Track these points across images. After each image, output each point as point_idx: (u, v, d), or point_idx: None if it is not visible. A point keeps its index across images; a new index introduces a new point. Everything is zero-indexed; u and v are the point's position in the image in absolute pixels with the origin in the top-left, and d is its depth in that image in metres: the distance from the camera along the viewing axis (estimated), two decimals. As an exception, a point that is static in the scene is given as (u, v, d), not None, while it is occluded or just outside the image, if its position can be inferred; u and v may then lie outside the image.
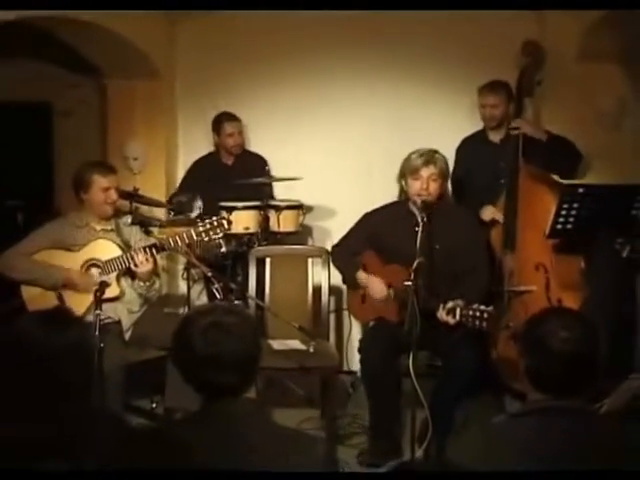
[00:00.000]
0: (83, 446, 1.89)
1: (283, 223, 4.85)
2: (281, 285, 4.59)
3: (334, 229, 5.19)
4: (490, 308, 3.50)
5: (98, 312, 3.41)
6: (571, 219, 3.85)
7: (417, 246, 3.57)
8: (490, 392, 4.42)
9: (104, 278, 3.80)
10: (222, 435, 1.95)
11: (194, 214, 4.71)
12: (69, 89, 5.96)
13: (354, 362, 5.05)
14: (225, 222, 3.96)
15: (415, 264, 3.48)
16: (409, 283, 3.50)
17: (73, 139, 5.97)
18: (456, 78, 5.03)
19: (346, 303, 4.52)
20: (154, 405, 4.49)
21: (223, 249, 4.64)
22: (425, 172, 3.95)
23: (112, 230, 4.16)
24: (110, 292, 3.84)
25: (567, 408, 2.03)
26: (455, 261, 3.97)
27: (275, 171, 5.07)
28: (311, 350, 4.03)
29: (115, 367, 3.72)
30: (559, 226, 3.87)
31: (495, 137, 4.78)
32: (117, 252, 4.00)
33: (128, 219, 4.26)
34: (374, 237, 4.16)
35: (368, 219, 4.23)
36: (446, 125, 5.08)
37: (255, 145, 5.44)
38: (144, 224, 4.36)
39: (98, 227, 4.15)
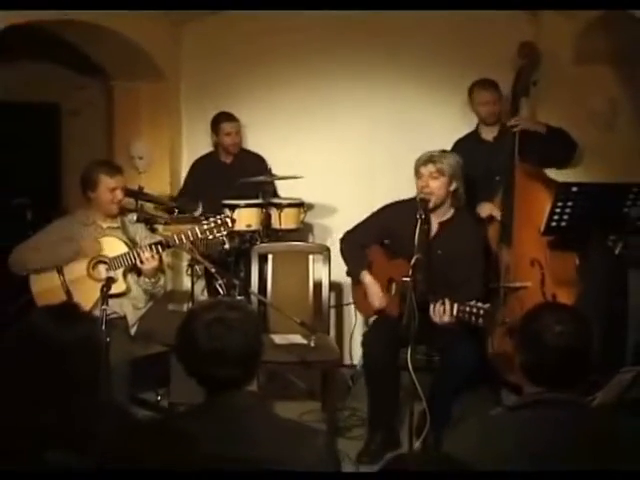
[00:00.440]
0: (90, 437, 1.92)
1: (285, 221, 4.86)
2: (283, 281, 4.61)
3: (335, 227, 5.23)
4: (487, 305, 3.50)
5: (104, 307, 3.43)
6: (565, 217, 3.88)
7: (415, 242, 3.61)
8: (487, 386, 4.43)
9: (111, 274, 3.83)
10: (225, 427, 1.96)
11: (197, 212, 4.74)
12: (77, 90, 6.01)
13: (354, 356, 5.13)
14: (229, 221, 3.98)
15: (413, 260, 3.52)
16: (407, 279, 3.53)
17: (80, 139, 6.01)
18: (455, 79, 5.04)
19: (349, 296, 4.51)
20: (159, 398, 4.53)
21: (226, 246, 4.66)
22: (425, 170, 4.01)
23: (118, 228, 4.18)
24: (116, 288, 3.87)
25: (561, 400, 2.05)
26: (453, 270, 3.99)
27: (277, 171, 5.07)
28: (312, 344, 4.05)
29: (121, 361, 3.73)
30: (554, 223, 3.91)
31: (488, 136, 4.82)
32: (124, 249, 4.02)
33: (134, 217, 4.29)
34: (385, 230, 4.20)
35: (383, 212, 4.26)
36: (445, 125, 5.09)
37: (257, 145, 5.45)
38: (149, 221, 4.40)
39: (104, 225, 4.17)
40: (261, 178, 4.92)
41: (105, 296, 3.52)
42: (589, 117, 4.93)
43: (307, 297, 4.59)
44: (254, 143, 5.50)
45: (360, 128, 5.43)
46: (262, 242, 4.84)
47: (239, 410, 2.01)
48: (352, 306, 4.60)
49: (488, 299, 3.77)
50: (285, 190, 5.28)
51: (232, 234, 4.65)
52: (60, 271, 4.05)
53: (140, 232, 4.28)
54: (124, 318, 4.14)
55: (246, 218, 4.80)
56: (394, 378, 4.01)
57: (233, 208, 4.74)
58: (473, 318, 3.51)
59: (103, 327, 3.34)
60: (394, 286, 4.06)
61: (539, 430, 2.00)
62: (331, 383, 4.27)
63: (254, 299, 4.49)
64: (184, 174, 5.56)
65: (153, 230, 4.39)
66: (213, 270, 4.07)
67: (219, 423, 1.97)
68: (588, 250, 4.06)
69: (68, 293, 4.01)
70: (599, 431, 2.03)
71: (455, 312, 3.60)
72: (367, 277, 4.13)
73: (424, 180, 4.02)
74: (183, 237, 3.98)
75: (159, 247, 3.98)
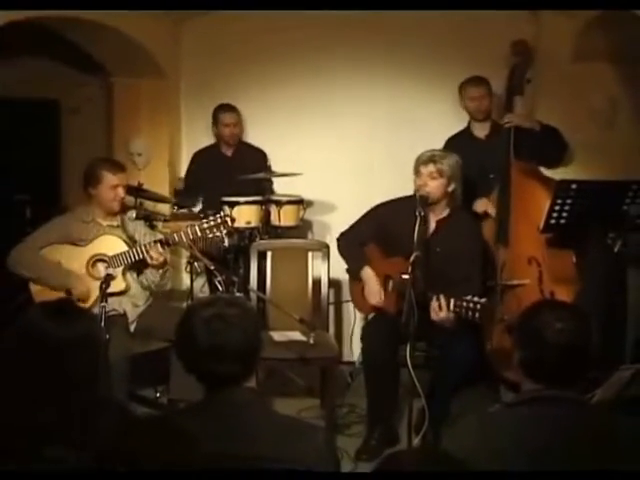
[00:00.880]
0: (89, 434, 1.92)
1: (284, 218, 4.88)
2: (282, 278, 4.61)
3: (334, 224, 5.22)
4: (483, 300, 3.51)
5: (104, 304, 3.42)
6: (564, 214, 3.87)
7: (414, 240, 3.62)
8: (486, 383, 4.44)
9: (110, 271, 3.82)
10: (224, 423, 1.96)
11: (197, 209, 4.77)
12: (77, 87, 6.00)
13: (355, 353, 5.12)
14: (229, 220, 4.00)
15: (412, 257, 3.53)
16: (406, 276, 3.54)
17: (80, 135, 6.01)
18: (455, 78, 4.99)
19: (348, 293, 4.51)
20: (158, 394, 4.54)
21: (226, 243, 4.66)
22: (425, 170, 4.01)
23: (118, 226, 4.18)
24: (116, 286, 3.89)
25: (560, 397, 2.06)
26: (452, 268, 3.99)
27: (276, 167, 5.07)
28: (311, 341, 4.03)
29: (120, 358, 3.73)
30: (553, 221, 3.90)
31: (480, 133, 4.82)
32: (123, 248, 4.02)
33: (133, 214, 4.29)
34: (381, 228, 4.19)
35: (378, 210, 4.26)
36: (445, 123, 5.07)
37: (257, 142, 5.45)
38: (148, 219, 4.39)
39: (104, 223, 4.17)
40: (260, 175, 4.92)
41: (104, 293, 3.51)
42: (589, 115, 4.93)
43: (306, 294, 4.60)
44: (254, 140, 5.51)
45: (359, 125, 5.43)
46: (261, 239, 4.85)
47: (238, 406, 2.01)
48: (351, 303, 4.57)
49: (486, 296, 3.76)
50: (284, 187, 5.29)
51: (231, 231, 4.62)
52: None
53: (139, 229, 4.28)
54: (124, 315, 4.15)
55: (245, 215, 4.80)
56: (393, 375, 4.01)
57: (232, 205, 4.76)
58: (470, 313, 3.52)
59: (102, 324, 3.34)
60: (391, 283, 4.05)
61: (537, 427, 2.01)
62: (330, 380, 4.28)
63: (253, 296, 4.50)
64: (183, 170, 5.56)
65: (152, 227, 4.39)
66: (212, 267, 4.08)
67: (218, 420, 1.98)
68: (587, 248, 4.05)
69: (68, 290, 4.00)
70: (597, 428, 2.03)
71: (452, 307, 3.60)
72: (368, 272, 4.12)
73: (423, 179, 4.03)
74: (183, 235, 4.00)
75: (162, 244, 4.01)
